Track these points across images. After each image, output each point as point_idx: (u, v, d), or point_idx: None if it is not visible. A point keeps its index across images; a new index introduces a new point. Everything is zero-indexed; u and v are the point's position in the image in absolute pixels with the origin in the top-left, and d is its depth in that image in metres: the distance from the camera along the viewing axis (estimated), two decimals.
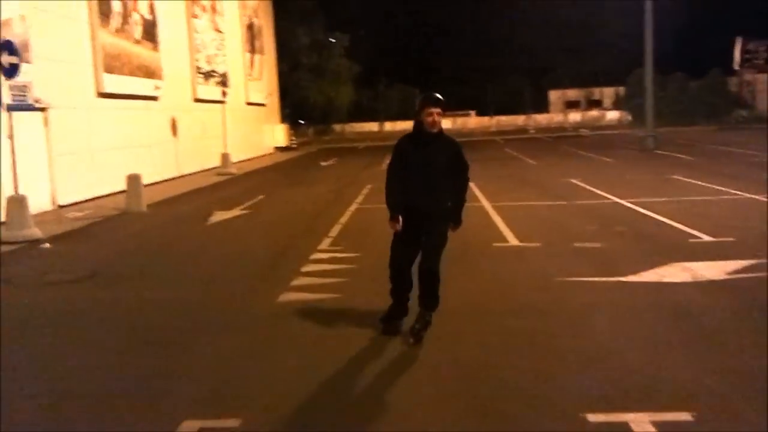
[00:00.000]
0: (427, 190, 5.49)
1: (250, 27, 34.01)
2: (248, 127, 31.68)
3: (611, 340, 5.46)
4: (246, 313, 6.64)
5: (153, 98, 21.18)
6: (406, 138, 5.71)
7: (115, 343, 5.84)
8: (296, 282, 7.70)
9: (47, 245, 10.63)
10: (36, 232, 11.15)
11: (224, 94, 25.47)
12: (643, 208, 12.09)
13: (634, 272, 7.55)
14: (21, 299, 7.53)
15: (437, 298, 5.66)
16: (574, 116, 59.08)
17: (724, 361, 4.93)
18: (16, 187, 11.22)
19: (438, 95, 5.52)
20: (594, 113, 60.11)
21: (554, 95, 65.12)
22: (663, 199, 13.21)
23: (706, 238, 9.39)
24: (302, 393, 4.61)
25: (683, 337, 5.50)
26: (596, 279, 7.37)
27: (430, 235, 5.52)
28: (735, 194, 13.52)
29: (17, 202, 11.06)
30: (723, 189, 14.25)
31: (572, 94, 65.16)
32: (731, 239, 9.18)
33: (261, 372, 5.04)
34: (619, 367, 4.88)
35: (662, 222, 10.73)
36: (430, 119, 5.44)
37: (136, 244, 11.06)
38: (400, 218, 5.58)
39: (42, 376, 5.16)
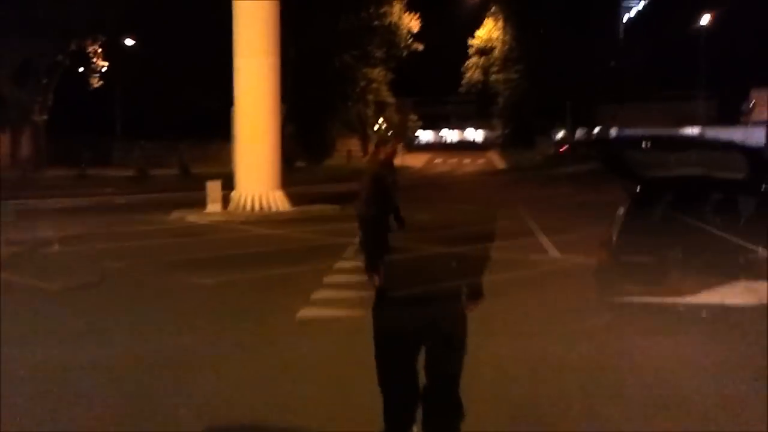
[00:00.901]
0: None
1: None
2: None
3: (677, 379, 4.73)
4: (260, 334, 5.99)
5: None
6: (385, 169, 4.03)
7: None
8: (317, 295, 7.07)
9: None
10: None
11: None
12: None
13: (691, 292, 6.77)
14: None
15: None
16: None
17: None
18: None
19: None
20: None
21: None
22: None
23: (765, 252, 8.54)
24: None
25: (761, 375, 4.74)
26: (650, 299, 6.61)
27: (433, 333, 3.16)
28: None
29: None
30: None
31: None
32: None
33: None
34: (691, 415, 4.17)
35: (712, 233, 9.87)
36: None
37: None
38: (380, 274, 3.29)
39: None
